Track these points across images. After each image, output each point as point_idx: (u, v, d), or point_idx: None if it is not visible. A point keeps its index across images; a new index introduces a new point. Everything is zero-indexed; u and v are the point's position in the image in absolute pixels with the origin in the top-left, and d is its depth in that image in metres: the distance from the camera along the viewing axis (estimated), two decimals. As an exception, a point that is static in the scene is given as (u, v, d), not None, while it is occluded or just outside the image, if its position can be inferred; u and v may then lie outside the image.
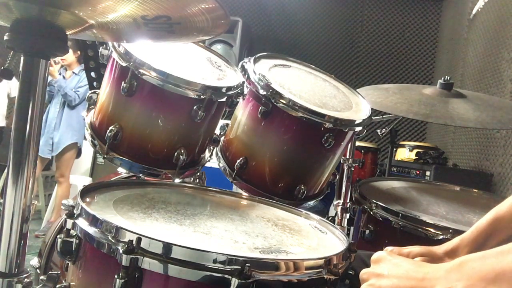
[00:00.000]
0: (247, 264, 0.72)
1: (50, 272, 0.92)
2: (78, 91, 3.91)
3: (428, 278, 0.62)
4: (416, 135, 5.41)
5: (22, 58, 0.82)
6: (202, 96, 1.18)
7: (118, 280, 0.72)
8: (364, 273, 0.73)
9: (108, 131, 1.20)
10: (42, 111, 0.86)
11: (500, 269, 0.55)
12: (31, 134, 0.83)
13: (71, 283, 0.88)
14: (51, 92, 3.94)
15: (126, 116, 1.22)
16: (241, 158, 1.35)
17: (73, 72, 3.98)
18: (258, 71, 1.34)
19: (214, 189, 1.32)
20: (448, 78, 1.80)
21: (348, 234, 1.67)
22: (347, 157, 1.70)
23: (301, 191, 1.36)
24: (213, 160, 1.44)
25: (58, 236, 0.87)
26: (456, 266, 0.60)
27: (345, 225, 1.64)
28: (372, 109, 1.49)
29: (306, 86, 1.45)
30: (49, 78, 3.72)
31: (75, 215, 0.86)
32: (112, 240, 0.77)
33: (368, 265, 1.06)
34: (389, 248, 0.86)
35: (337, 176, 1.57)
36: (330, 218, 1.61)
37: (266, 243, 0.91)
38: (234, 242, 0.88)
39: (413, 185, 1.82)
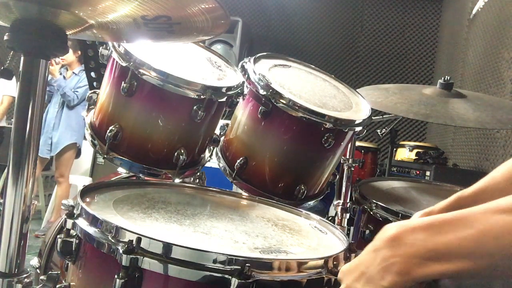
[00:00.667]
0: (247, 264, 0.72)
1: (50, 272, 0.92)
2: (77, 91, 3.91)
3: (366, 266, 0.62)
4: (416, 135, 5.42)
5: (22, 58, 0.82)
6: (202, 96, 1.18)
7: (118, 280, 0.72)
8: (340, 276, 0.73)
9: (108, 131, 1.20)
10: (42, 111, 0.86)
11: (433, 246, 0.55)
12: (31, 134, 0.83)
13: (71, 283, 0.88)
14: (50, 92, 3.93)
15: (126, 116, 1.22)
16: (241, 158, 1.35)
17: (73, 72, 3.98)
18: (258, 71, 1.34)
19: (214, 189, 1.32)
20: (448, 78, 1.80)
21: (348, 234, 1.67)
22: (347, 157, 1.70)
23: (301, 191, 1.36)
24: (213, 160, 1.44)
25: (58, 236, 0.87)
26: (388, 241, 0.60)
27: (345, 225, 1.64)
28: (372, 109, 1.49)
29: (306, 86, 1.45)
30: (49, 77, 3.72)
31: (75, 215, 0.86)
32: (112, 240, 0.77)
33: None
34: None
35: (337, 176, 1.57)
36: (330, 218, 1.61)
37: (266, 243, 0.91)
38: (234, 242, 0.88)
39: (413, 185, 1.81)
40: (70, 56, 3.91)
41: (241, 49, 4.97)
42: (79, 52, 3.91)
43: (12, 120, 0.89)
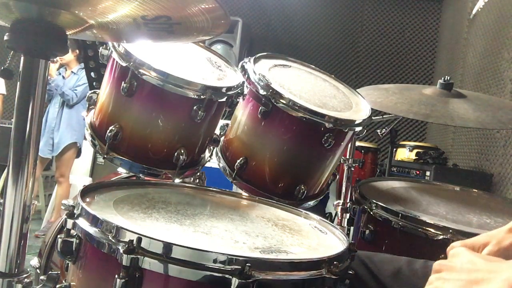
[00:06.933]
0: (247, 264, 0.72)
1: (50, 272, 0.92)
2: (76, 89, 3.91)
3: (495, 270, 0.59)
4: (416, 135, 5.41)
5: (22, 58, 0.82)
6: (202, 96, 1.18)
7: (118, 280, 0.72)
8: (437, 263, 0.70)
9: (108, 131, 1.20)
10: (42, 111, 0.86)
11: None
12: (31, 134, 0.83)
13: (71, 283, 0.88)
14: (50, 91, 3.93)
15: (126, 116, 1.22)
16: (241, 158, 1.35)
17: (72, 72, 3.98)
18: (258, 71, 1.34)
19: (214, 189, 1.32)
20: (448, 78, 1.80)
21: (348, 234, 1.67)
22: (347, 157, 1.70)
23: (301, 191, 1.36)
24: (213, 160, 1.44)
25: (58, 236, 0.87)
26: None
27: (345, 225, 1.64)
28: (372, 109, 1.49)
29: (306, 86, 1.45)
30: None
31: (75, 215, 0.86)
32: (113, 240, 0.77)
33: (367, 266, 1.06)
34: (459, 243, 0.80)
35: (337, 176, 1.57)
36: (327, 215, 1.62)
37: (266, 243, 0.91)
38: (234, 242, 0.88)
39: (413, 185, 1.81)
40: (68, 56, 3.90)
41: (241, 49, 4.97)
42: (77, 51, 3.91)
43: (11, 120, 0.88)
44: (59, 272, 0.94)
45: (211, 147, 1.42)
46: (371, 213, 1.42)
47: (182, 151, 1.25)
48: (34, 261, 1.45)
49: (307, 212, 1.21)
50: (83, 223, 0.84)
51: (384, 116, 1.93)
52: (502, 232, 0.86)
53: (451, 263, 0.67)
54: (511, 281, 0.54)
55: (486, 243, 0.85)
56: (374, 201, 1.42)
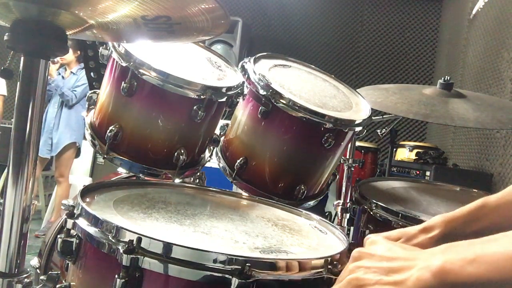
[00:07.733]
0: (247, 264, 0.72)
1: (50, 272, 0.92)
2: (75, 90, 3.91)
3: (414, 258, 0.62)
4: (416, 135, 5.41)
5: (22, 58, 0.82)
6: (202, 96, 1.18)
7: (118, 280, 0.72)
8: (356, 251, 0.71)
9: (108, 131, 1.20)
10: (42, 111, 0.86)
11: (481, 252, 0.55)
12: (31, 134, 0.83)
13: (71, 283, 0.88)
14: (49, 91, 3.93)
15: (126, 116, 1.22)
16: (241, 158, 1.35)
17: (71, 72, 3.98)
18: (258, 71, 1.34)
19: (214, 189, 1.32)
20: (448, 78, 1.80)
21: (348, 234, 1.67)
22: (347, 157, 1.70)
23: (301, 191, 1.36)
24: (213, 160, 1.44)
25: (58, 236, 0.87)
26: (442, 248, 0.60)
27: (345, 225, 1.64)
28: (372, 109, 1.49)
29: (306, 86, 1.45)
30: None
31: (75, 215, 0.86)
32: (113, 240, 0.77)
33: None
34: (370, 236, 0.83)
35: (337, 176, 1.57)
36: (327, 214, 1.61)
37: (266, 243, 0.91)
38: (234, 242, 0.88)
39: (413, 185, 1.81)
40: (69, 56, 3.90)
41: (241, 49, 4.98)
42: (79, 52, 3.91)
43: (12, 120, 0.89)
44: (59, 272, 0.94)
45: (211, 147, 1.42)
46: (371, 213, 1.42)
47: (182, 151, 1.25)
48: (34, 261, 1.45)
49: (307, 212, 1.22)
50: (83, 223, 0.84)
51: (384, 116, 1.93)
52: (414, 231, 0.90)
53: (371, 251, 0.68)
54: (430, 268, 0.57)
55: (398, 238, 0.89)
56: (374, 201, 1.42)
